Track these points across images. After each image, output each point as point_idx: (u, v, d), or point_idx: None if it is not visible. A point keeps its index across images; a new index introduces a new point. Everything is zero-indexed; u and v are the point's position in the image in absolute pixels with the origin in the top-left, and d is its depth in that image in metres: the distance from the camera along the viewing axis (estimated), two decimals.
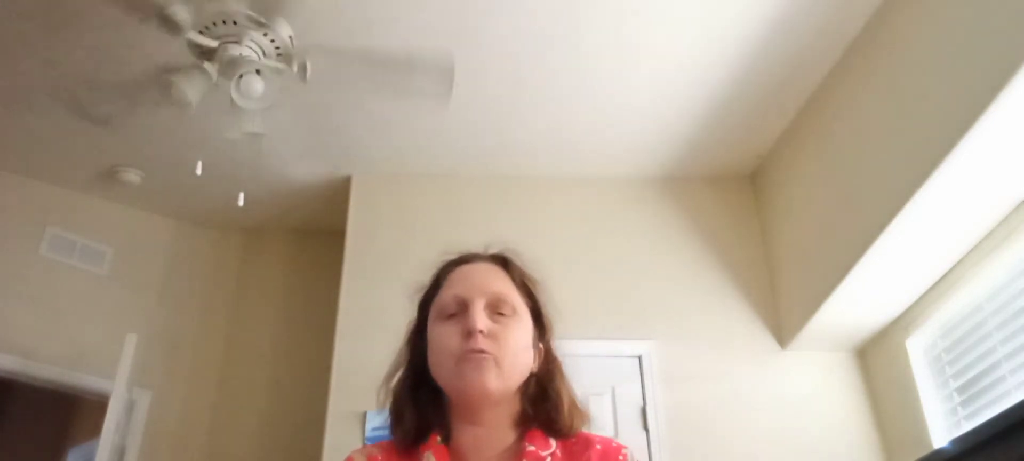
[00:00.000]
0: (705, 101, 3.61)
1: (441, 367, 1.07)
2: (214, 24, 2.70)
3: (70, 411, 5.11)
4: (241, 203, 3.53)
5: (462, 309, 1.08)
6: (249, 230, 4.63)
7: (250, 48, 2.73)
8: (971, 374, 3.00)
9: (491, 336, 1.06)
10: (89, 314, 4.01)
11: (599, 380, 3.51)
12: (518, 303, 1.12)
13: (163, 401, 4.01)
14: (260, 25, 2.70)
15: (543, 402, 1.10)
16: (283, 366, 4.24)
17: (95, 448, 3.33)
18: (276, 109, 3.04)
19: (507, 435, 1.08)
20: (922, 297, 3.27)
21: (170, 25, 2.63)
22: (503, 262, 1.17)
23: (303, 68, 2.79)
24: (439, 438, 1.07)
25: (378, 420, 3.39)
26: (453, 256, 1.19)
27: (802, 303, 3.53)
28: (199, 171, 3.29)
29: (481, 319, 1.06)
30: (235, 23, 2.70)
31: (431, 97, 2.89)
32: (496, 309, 1.09)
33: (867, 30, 3.18)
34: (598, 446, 1.08)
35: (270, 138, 3.33)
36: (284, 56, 2.81)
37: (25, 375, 3.81)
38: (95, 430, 3.49)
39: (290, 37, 2.81)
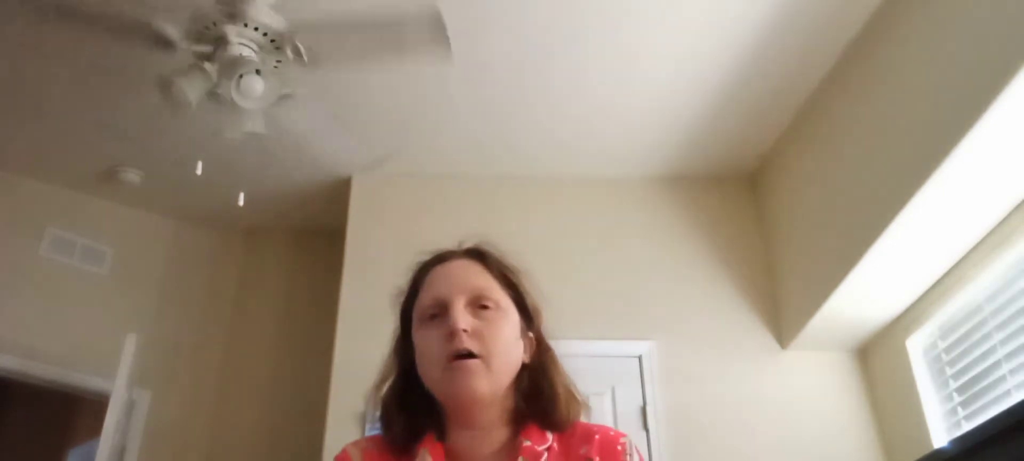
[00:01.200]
0: (705, 101, 3.61)
1: (429, 373, 1.05)
2: (205, 29, 2.70)
3: (70, 411, 5.11)
4: (241, 203, 3.53)
5: (442, 310, 1.06)
6: (249, 230, 4.63)
7: (244, 44, 2.72)
8: (971, 374, 3.00)
9: (475, 334, 1.03)
10: (89, 314, 4.01)
11: (599, 380, 3.50)
12: (500, 296, 1.09)
13: (163, 401, 4.01)
14: (231, 16, 2.68)
15: (537, 396, 1.08)
16: (283, 366, 4.23)
17: (95, 448, 3.33)
18: (276, 109, 3.04)
19: (502, 433, 1.06)
20: (922, 297, 3.26)
21: (163, 42, 2.64)
22: (479, 256, 1.14)
23: (297, 51, 2.78)
24: (435, 437, 1.06)
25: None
26: (427, 256, 1.16)
27: (802, 303, 3.53)
28: (199, 171, 3.29)
29: (463, 318, 1.03)
30: (215, 24, 2.68)
31: (429, 53, 2.84)
32: (478, 304, 1.06)
33: (867, 30, 3.18)
34: (597, 435, 1.06)
35: (270, 138, 3.33)
36: (278, 45, 2.79)
37: (25, 375, 3.81)
38: (95, 430, 3.48)
39: (287, 35, 2.80)
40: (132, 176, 4.09)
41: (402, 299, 1.15)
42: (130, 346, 3.47)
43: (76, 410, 5.10)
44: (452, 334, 1.02)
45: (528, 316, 1.12)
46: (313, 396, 3.79)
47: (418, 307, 1.10)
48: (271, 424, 4.08)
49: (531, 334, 1.12)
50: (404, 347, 1.12)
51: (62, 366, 3.83)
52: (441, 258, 1.14)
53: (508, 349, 1.06)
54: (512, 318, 1.09)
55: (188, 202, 4.36)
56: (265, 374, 4.23)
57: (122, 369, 3.41)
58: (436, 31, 2.73)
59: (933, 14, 2.79)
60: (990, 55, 2.47)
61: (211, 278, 4.46)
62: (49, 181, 4.14)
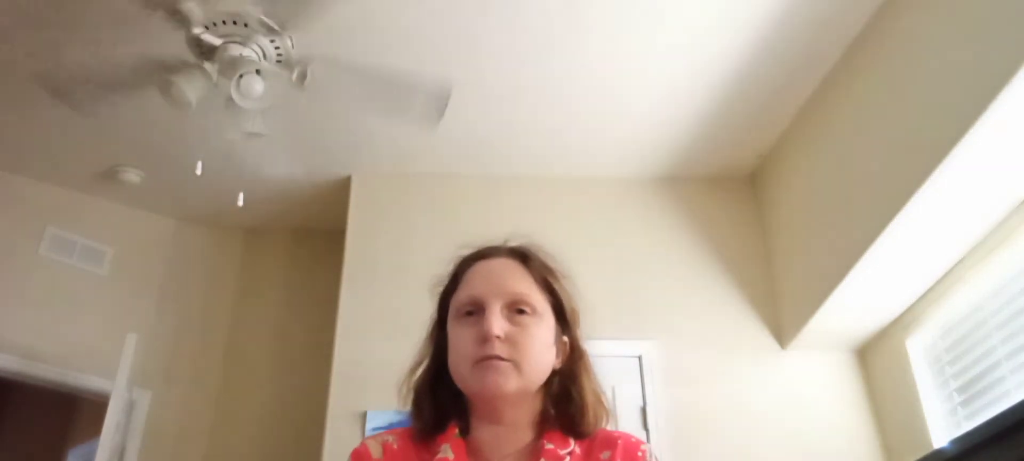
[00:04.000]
0: (705, 101, 3.61)
1: (458, 369, 1.06)
2: (221, 23, 2.69)
3: (70, 411, 5.11)
4: (241, 203, 3.53)
5: (479, 309, 1.06)
6: (249, 230, 4.63)
7: (252, 49, 2.72)
8: (971, 374, 3.00)
9: (509, 339, 1.03)
10: (89, 314, 4.01)
11: (599, 380, 3.50)
12: (538, 301, 1.09)
13: (163, 401, 4.01)
14: (272, 31, 2.69)
15: (566, 404, 1.08)
16: (283, 366, 4.23)
17: (95, 448, 3.33)
18: (277, 109, 3.04)
19: (526, 433, 1.07)
20: (922, 297, 3.27)
21: (179, 18, 2.63)
22: (522, 257, 1.13)
23: (302, 76, 2.79)
24: (458, 431, 1.06)
25: (378, 420, 3.39)
26: (471, 250, 1.16)
27: (802, 303, 3.53)
28: (199, 171, 3.29)
29: (497, 323, 1.03)
30: (246, 25, 2.69)
31: (419, 119, 2.91)
32: (515, 309, 1.06)
33: (867, 30, 3.18)
34: (619, 441, 1.07)
35: (270, 138, 3.33)
36: (285, 62, 2.81)
37: (25, 375, 3.80)
38: (95, 430, 3.48)
39: (291, 38, 2.81)
40: (132, 176, 4.09)
41: (441, 288, 1.15)
42: (130, 346, 3.47)
43: (76, 410, 5.10)
44: (485, 338, 1.03)
45: (565, 320, 1.12)
46: (313, 396, 3.79)
47: (456, 301, 1.10)
48: (271, 424, 4.08)
49: (565, 338, 1.12)
50: (439, 335, 1.12)
51: (62, 366, 3.83)
52: (484, 254, 1.14)
53: (540, 356, 1.06)
54: (547, 323, 1.09)
55: (188, 202, 4.36)
56: (265, 374, 4.23)
57: (122, 369, 3.42)
58: (438, 106, 2.79)
59: (933, 15, 2.79)
60: (990, 56, 2.47)
61: (211, 278, 4.46)
62: (49, 181, 4.14)
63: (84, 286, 4.07)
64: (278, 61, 2.80)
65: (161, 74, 2.79)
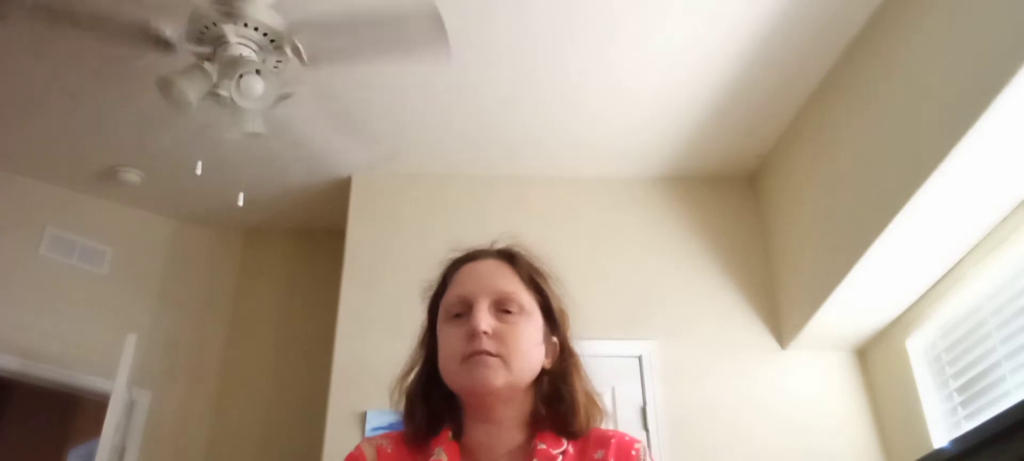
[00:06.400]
0: (705, 101, 3.61)
1: (448, 368, 1.06)
2: (204, 29, 2.69)
3: (70, 411, 5.11)
4: (241, 203, 3.53)
5: (467, 309, 1.07)
6: (249, 230, 4.63)
7: (243, 44, 2.71)
8: (971, 374, 3.00)
9: (496, 336, 1.04)
10: (89, 314, 4.01)
11: (599, 380, 3.45)
12: (525, 300, 1.10)
13: (163, 401, 4.01)
14: (229, 16, 2.66)
15: (557, 403, 1.08)
16: (283, 366, 4.23)
17: (95, 448, 3.33)
18: (276, 109, 3.04)
19: (518, 434, 1.07)
20: (922, 297, 3.27)
21: (163, 44, 2.63)
22: (509, 258, 1.14)
23: (297, 50, 2.77)
24: (450, 434, 1.07)
25: (378, 420, 3.39)
26: (459, 253, 1.17)
27: (802, 303, 3.53)
28: (199, 171, 3.29)
29: (485, 319, 1.04)
30: (214, 24, 2.67)
31: (429, 52, 2.81)
32: (502, 307, 1.07)
33: (867, 30, 3.18)
34: (612, 440, 1.08)
35: (270, 138, 3.33)
36: (277, 44, 2.79)
37: (25, 375, 3.80)
38: (95, 430, 3.48)
39: (289, 33, 2.80)
40: (132, 176, 4.09)
41: (431, 293, 1.16)
42: (130, 346, 3.47)
43: (76, 410, 5.10)
44: (473, 334, 1.04)
45: (553, 320, 1.13)
46: (313, 396, 3.79)
47: (444, 303, 1.11)
48: (271, 424, 4.08)
49: (554, 339, 1.13)
50: (430, 340, 1.13)
51: (62, 366, 3.83)
52: (471, 257, 1.15)
53: (528, 353, 1.07)
54: (535, 322, 1.10)
55: (188, 202, 4.36)
56: (265, 374, 4.23)
57: (122, 369, 3.42)
58: (435, 29, 2.71)
59: (933, 14, 2.79)
60: (990, 55, 2.47)
61: (211, 278, 4.46)
62: (49, 181, 4.14)
63: (84, 286, 4.07)
64: (272, 45, 2.78)
65: (161, 75, 2.79)
